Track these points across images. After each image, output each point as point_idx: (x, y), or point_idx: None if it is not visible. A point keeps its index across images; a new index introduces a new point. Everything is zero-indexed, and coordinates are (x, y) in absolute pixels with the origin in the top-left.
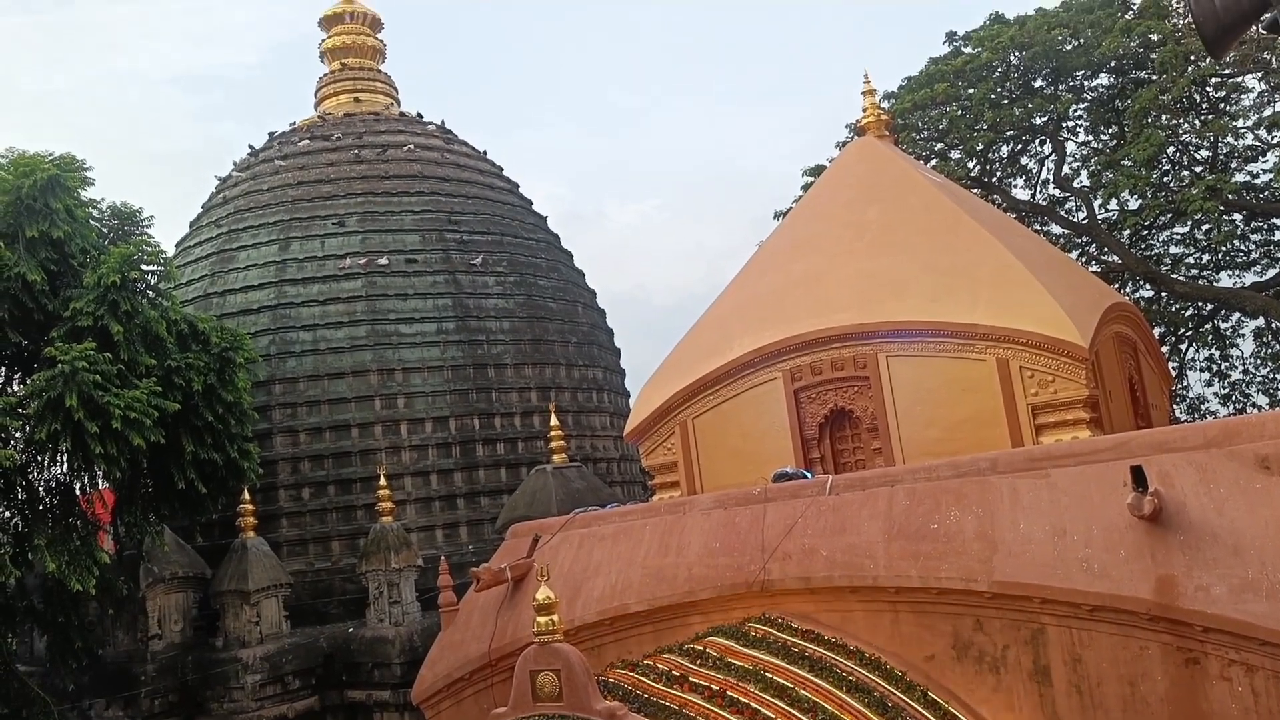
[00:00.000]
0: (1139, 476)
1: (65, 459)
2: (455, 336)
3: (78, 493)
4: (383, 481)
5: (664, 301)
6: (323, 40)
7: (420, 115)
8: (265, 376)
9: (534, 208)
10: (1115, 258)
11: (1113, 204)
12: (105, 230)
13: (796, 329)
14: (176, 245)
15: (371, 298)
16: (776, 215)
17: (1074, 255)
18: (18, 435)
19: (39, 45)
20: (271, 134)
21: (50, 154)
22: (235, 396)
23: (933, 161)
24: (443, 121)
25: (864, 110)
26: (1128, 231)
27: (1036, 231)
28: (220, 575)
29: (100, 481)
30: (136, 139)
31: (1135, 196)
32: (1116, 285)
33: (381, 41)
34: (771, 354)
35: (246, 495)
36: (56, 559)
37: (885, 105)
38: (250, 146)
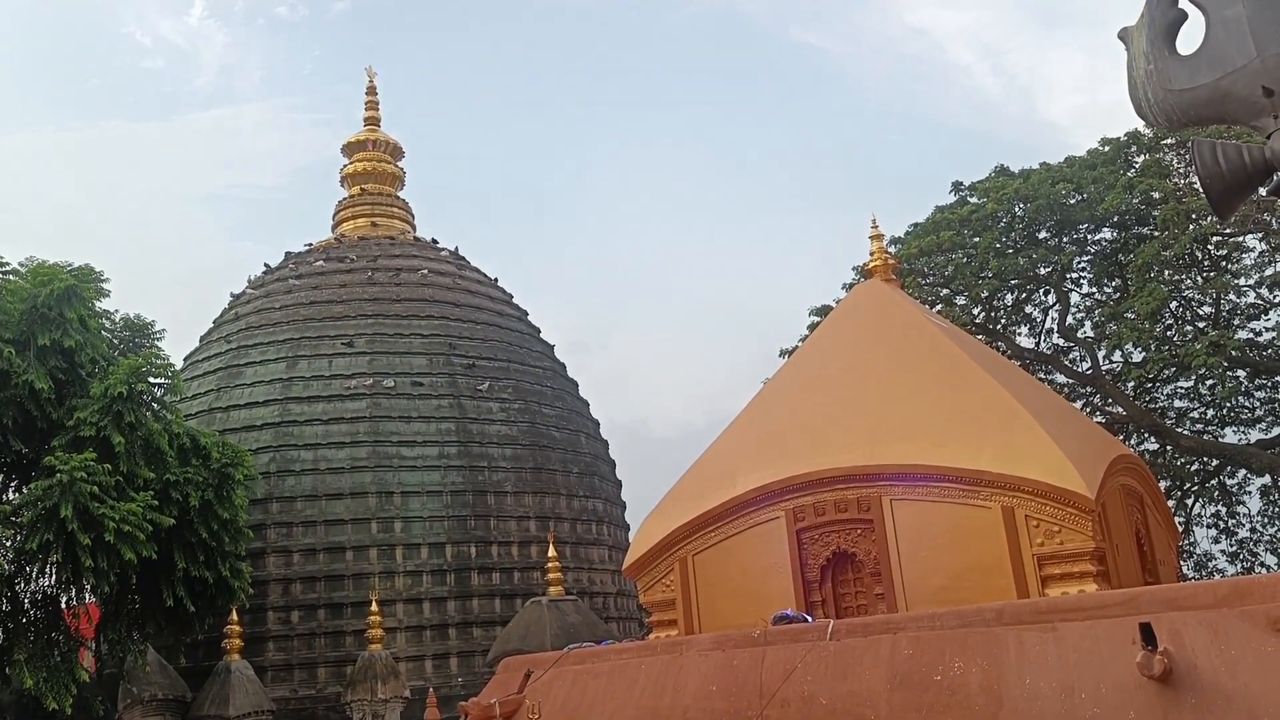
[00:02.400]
0: (1148, 634)
1: (54, 570)
2: (456, 461)
3: (63, 606)
4: (374, 607)
5: (665, 434)
6: (344, 166)
7: (435, 241)
8: (263, 494)
9: (541, 335)
10: (1120, 409)
11: (1117, 355)
12: (116, 341)
13: (800, 468)
14: (185, 359)
15: (375, 419)
16: (782, 353)
17: (1078, 405)
18: (8, 544)
19: (68, 160)
20: (288, 253)
21: (69, 264)
22: (231, 514)
23: (938, 306)
24: (456, 248)
25: (871, 254)
26: (1132, 383)
27: (1041, 380)
28: (201, 699)
29: (87, 595)
30: (157, 254)
31: (1139, 349)
32: (1121, 437)
33: (401, 169)
34: (774, 493)
35: (234, 616)
36: (35, 674)
37: (892, 250)
38: (266, 265)
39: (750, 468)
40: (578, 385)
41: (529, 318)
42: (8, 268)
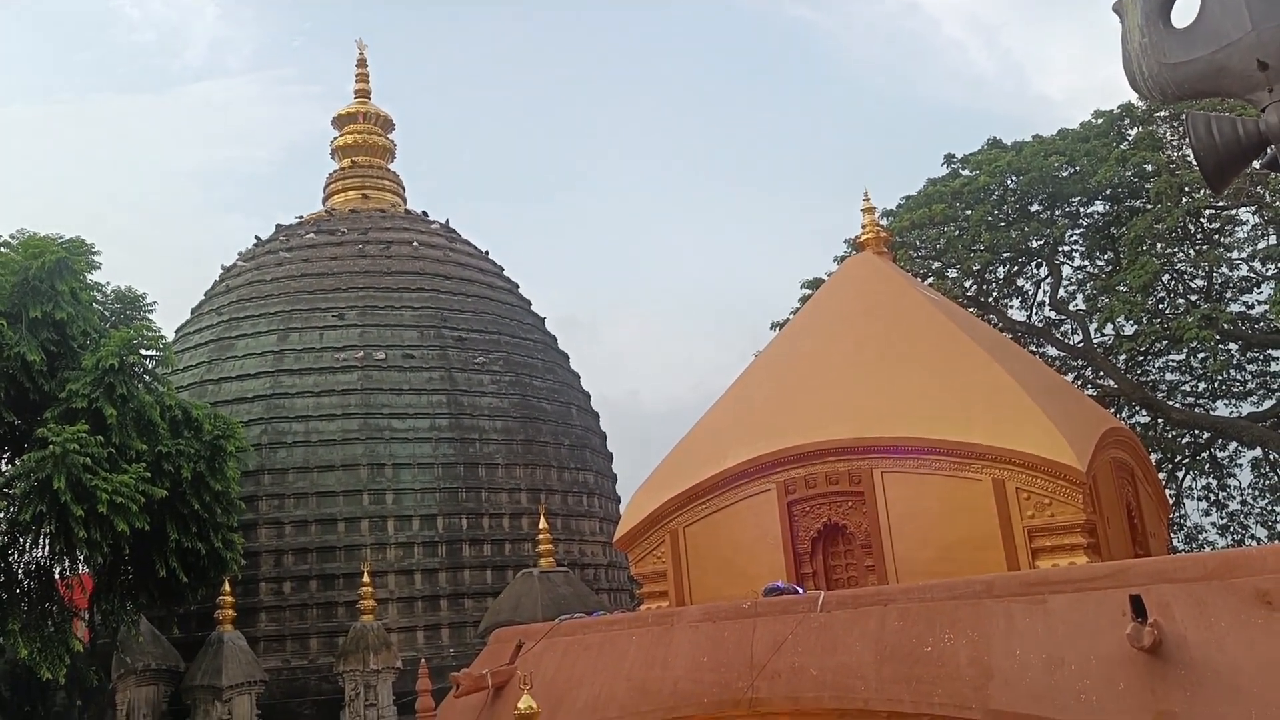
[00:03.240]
0: (1138, 606)
1: (47, 541)
2: (448, 434)
3: (56, 577)
4: (366, 579)
5: (656, 409)
6: (335, 138)
7: (425, 214)
8: (255, 466)
9: (533, 309)
10: (1111, 382)
11: (1108, 329)
12: (108, 314)
13: (791, 441)
14: (177, 331)
15: (366, 391)
16: (773, 326)
17: (1070, 378)
18: (1, 516)
19: (59, 134)
20: (279, 226)
21: (60, 237)
22: (223, 485)
23: (930, 279)
24: (447, 221)
25: (863, 226)
26: (1124, 356)
27: (1033, 353)
28: (194, 669)
29: (80, 567)
30: (148, 228)
31: (1131, 322)
32: (1113, 410)
33: (392, 141)
34: (765, 465)
35: (227, 587)
36: (29, 645)
37: (884, 223)
38: (256, 237)
39: (741, 441)
40: (569, 358)
41: (520, 290)
42: None
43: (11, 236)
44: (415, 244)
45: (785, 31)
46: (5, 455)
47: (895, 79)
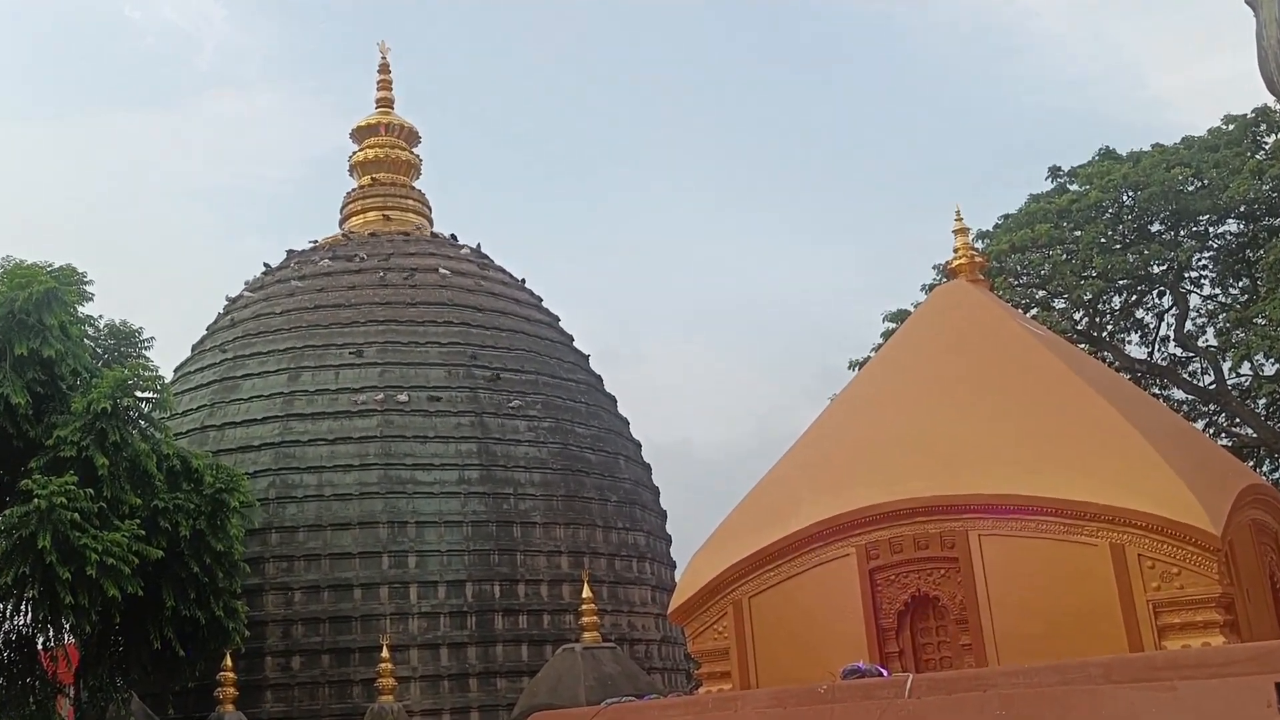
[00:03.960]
0: None
1: (30, 608)
2: (479, 488)
3: (39, 648)
4: (385, 654)
5: (712, 457)
6: (353, 153)
7: (454, 237)
8: (262, 523)
9: (575, 344)
10: (1249, 430)
11: (1245, 368)
12: (100, 351)
13: (873, 498)
14: (176, 370)
15: (387, 439)
16: (851, 365)
17: (1200, 425)
18: None
19: (64, 153)
20: (290, 252)
21: (49, 265)
22: (226, 545)
23: (1033, 311)
24: (478, 245)
25: (955, 250)
26: (1263, 400)
27: (1155, 396)
28: None
29: (66, 636)
30: (147, 255)
31: (1272, 360)
32: (1251, 463)
33: (416, 156)
34: (844, 526)
35: (228, 661)
36: None
37: (979, 246)
38: (265, 265)
39: (815, 497)
40: (616, 402)
41: (561, 324)
42: None
43: None
44: (443, 271)
45: (852, 25)
46: None
47: (986, 80)
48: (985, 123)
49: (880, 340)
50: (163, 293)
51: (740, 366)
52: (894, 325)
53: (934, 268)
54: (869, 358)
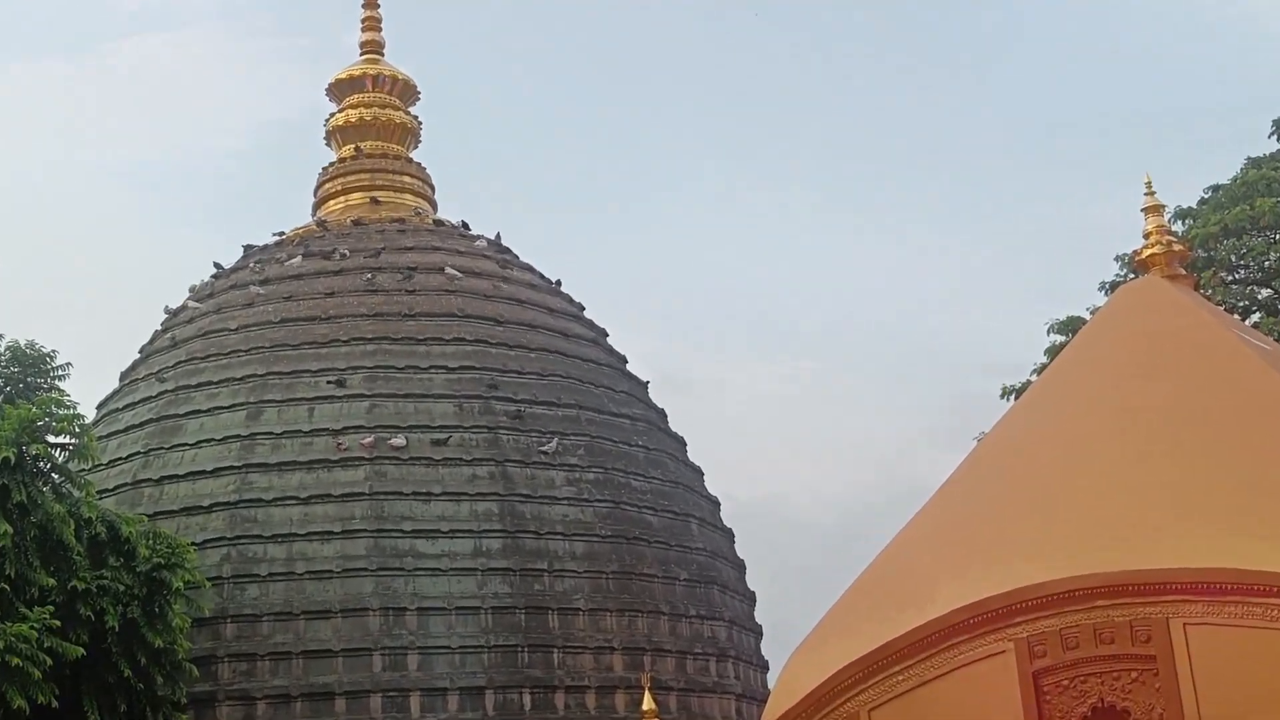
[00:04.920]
0: None
1: None
2: (501, 562)
3: None
4: None
5: (813, 521)
6: (330, 116)
7: (465, 225)
8: (214, 611)
9: (628, 368)
10: None
11: None
12: (1, 383)
13: (1037, 575)
14: (100, 407)
15: (379, 496)
16: (1006, 394)
17: None
18: None
19: None
20: (248, 248)
21: None
22: (166, 640)
23: (1254, 317)
24: (498, 235)
25: (1145, 236)
26: None
27: None
28: None
29: None
30: (59, 253)
31: None
32: None
33: (414, 118)
34: (997, 614)
35: None
36: None
37: (1178, 229)
38: (216, 265)
39: (957, 574)
40: (685, 445)
41: (609, 340)
42: None
43: None
44: (451, 271)
45: None
46: None
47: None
48: (1178, 67)
49: (1044, 360)
50: (81, 303)
51: (851, 398)
52: (1062, 339)
53: (1116, 260)
54: (1029, 383)
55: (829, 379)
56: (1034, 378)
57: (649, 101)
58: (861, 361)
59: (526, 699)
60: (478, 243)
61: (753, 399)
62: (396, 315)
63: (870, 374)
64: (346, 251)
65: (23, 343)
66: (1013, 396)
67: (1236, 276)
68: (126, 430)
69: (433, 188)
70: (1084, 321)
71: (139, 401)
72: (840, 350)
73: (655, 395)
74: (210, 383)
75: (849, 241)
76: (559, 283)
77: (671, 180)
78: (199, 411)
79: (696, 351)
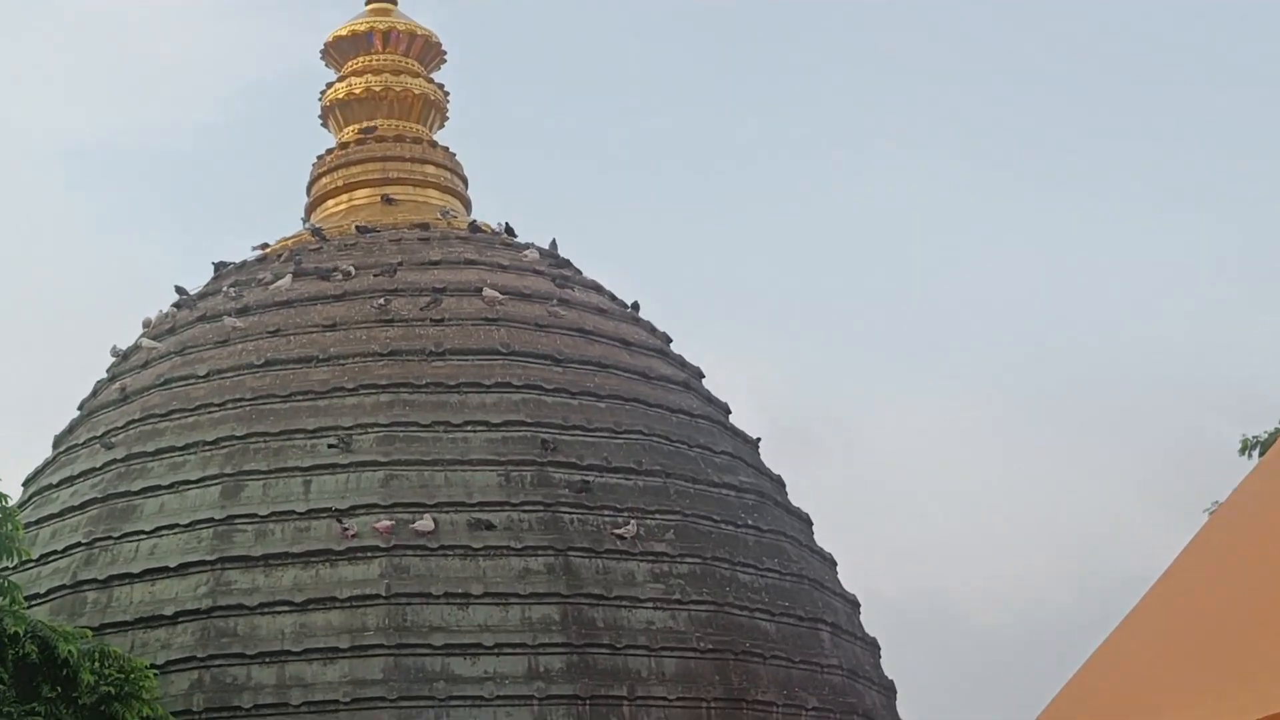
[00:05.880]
0: None
1: None
2: (564, 687)
3: None
4: None
5: (991, 623)
6: (328, 87)
7: (510, 230)
8: None
9: (733, 419)
10: None
11: None
12: None
13: None
14: (26, 483)
15: (399, 600)
16: (1246, 448)
17: None
18: None
19: None
20: (220, 266)
21: None
22: None
23: None
24: (553, 243)
25: None
26: None
27: None
28: None
29: None
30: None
31: None
32: None
33: (440, 89)
34: None
35: None
36: None
37: None
38: (178, 289)
39: (1186, 695)
40: (810, 524)
41: (705, 383)
42: None
43: None
44: (491, 292)
45: None
46: None
47: None
48: None
49: None
50: (8, 342)
51: (1037, 454)
52: None
53: None
54: (1271, 439)
55: (1007, 428)
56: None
57: (764, 57)
58: (1051, 403)
59: None
60: (526, 253)
61: (902, 458)
62: (419, 354)
63: (1063, 420)
64: (351, 269)
65: None
66: (1254, 451)
67: None
68: (63, 514)
69: (465, 180)
70: None
71: (79, 475)
72: (1023, 388)
73: (770, 457)
74: (173, 448)
75: (1033, 235)
76: (636, 306)
77: (784, 162)
78: (159, 488)
79: (825, 396)
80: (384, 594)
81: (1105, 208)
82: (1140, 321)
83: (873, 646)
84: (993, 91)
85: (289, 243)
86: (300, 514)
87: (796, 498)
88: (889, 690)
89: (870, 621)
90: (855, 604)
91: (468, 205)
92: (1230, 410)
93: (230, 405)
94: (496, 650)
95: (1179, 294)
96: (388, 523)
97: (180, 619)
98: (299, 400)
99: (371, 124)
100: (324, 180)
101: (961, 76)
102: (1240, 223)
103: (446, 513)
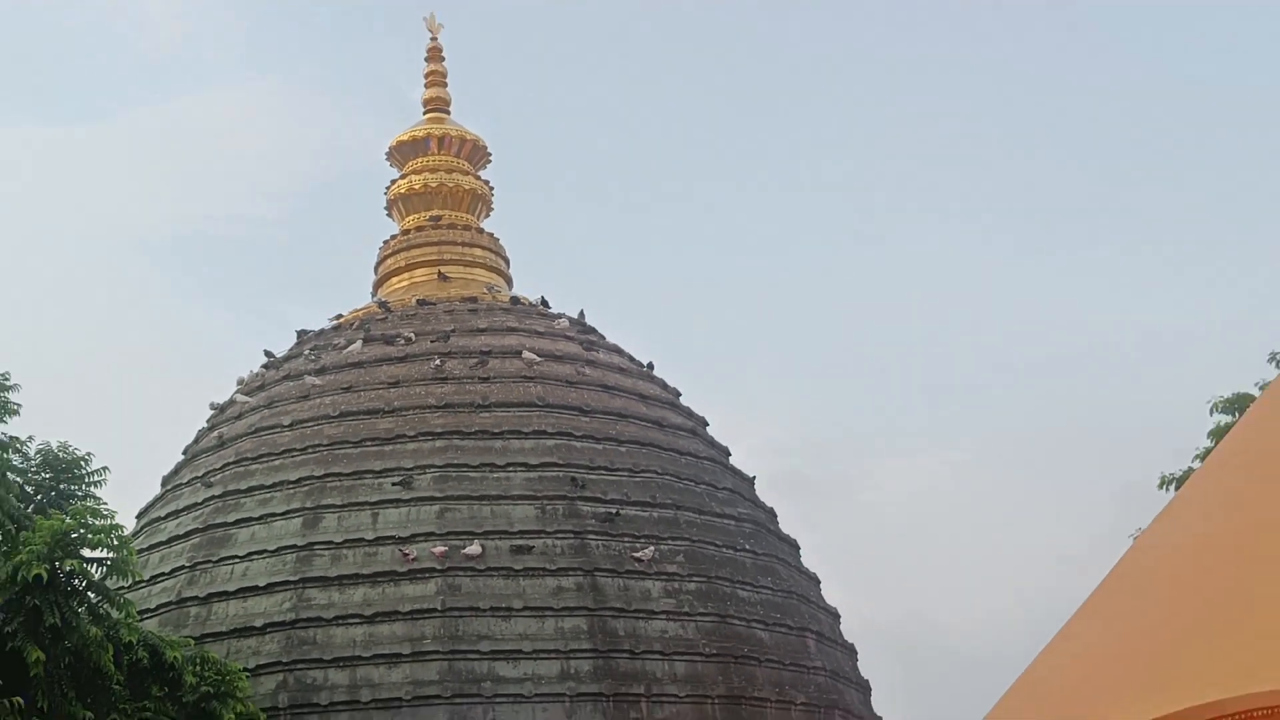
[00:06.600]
0: None
1: None
2: (591, 686)
3: None
4: None
5: (955, 641)
6: (391, 184)
7: (545, 302)
8: None
9: (732, 460)
10: None
11: None
12: (30, 490)
13: (1209, 693)
14: (139, 516)
15: (452, 613)
16: (1164, 484)
17: None
18: None
19: None
20: (301, 334)
21: None
22: None
23: None
24: (581, 313)
25: None
26: None
27: None
28: None
29: None
30: (90, 341)
31: None
32: None
33: (485, 184)
34: None
35: None
36: None
37: None
38: (267, 354)
39: (1114, 694)
40: (798, 549)
41: (710, 430)
42: None
43: None
44: (529, 355)
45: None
46: None
47: None
48: None
49: (1208, 444)
50: (117, 399)
51: (999, 496)
52: (1229, 418)
53: None
54: (1190, 471)
55: (980, 468)
56: (1196, 465)
57: (748, 159)
58: (1015, 451)
59: None
60: (559, 322)
61: (884, 498)
62: (469, 406)
63: (1026, 466)
64: (412, 335)
65: (54, 444)
66: (1172, 487)
67: None
68: (170, 542)
69: (507, 261)
70: (1254, 399)
71: (183, 509)
72: (989, 440)
73: (763, 493)
74: (262, 486)
75: (997, 303)
76: (651, 366)
77: (778, 242)
78: (250, 519)
79: (815, 443)
80: (439, 608)
81: (1096, 260)
82: (1088, 380)
83: (851, 651)
84: (973, 166)
85: (359, 313)
86: (369, 541)
87: (787, 527)
88: (865, 689)
89: (852, 635)
90: (836, 616)
91: (509, 281)
92: (1167, 444)
93: (310, 450)
94: (534, 655)
95: (1146, 356)
96: (442, 548)
97: (268, 630)
98: (368, 446)
99: (429, 214)
100: (389, 261)
101: (956, 156)
102: (1173, 300)
103: (492, 539)
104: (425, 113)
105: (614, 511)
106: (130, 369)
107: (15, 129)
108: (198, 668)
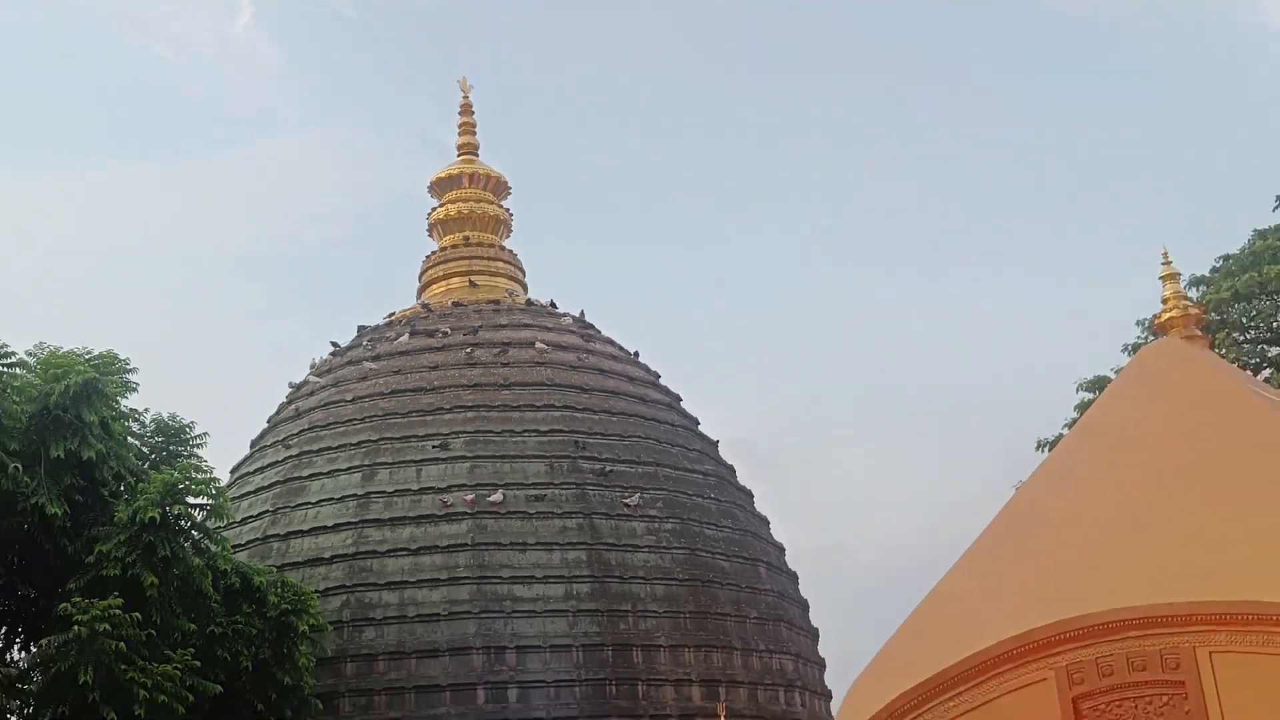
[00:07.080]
0: None
1: None
2: (589, 604)
3: None
4: None
5: (873, 564)
6: (432, 210)
7: (553, 304)
8: (334, 651)
9: (701, 429)
10: None
11: None
12: (146, 450)
13: (1074, 609)
14: (232, 471)
15: (479, 547)
16: (1040, 446)
17: None
18: (13, 718)
19: (76, 216)
20: (361, 328)
21: (88, 351)
22: (294, 678)
23: (1265, 373)
24: (581, 313)
25: (1164, 301)
26: None
27: None
28: None
29: None
30: (190, 335)
31: None
32: None
33: (506, 211)
34: (1038, 645)
35: None
36: None
37: (1194, 295)
38: (333, 344)
39: (1001, 610)
40: (752, 496)
41: (683, 405)
42: (12, 358)
43: (28, 353)
44: (540, 345)
45: (1049, 30)
46: (19, 639)
47: (1215, 92)
48: (1195, 143)
49: (1074, 415)
50: (213, 380)
51: (907, 455)
52: (1090, 396)
53: (1138, 324)
54: (1061, 436)
55: (885, 437)
56: (1065, 431)
57: (712, 169)
58: (916, 420)
59: None
60: (564, 320)
61: (814, 456)
62: (493, 385)
63: (928, 428)
64: (448, 330)
65: (165, 415)
66: (1046, 449)
67: (1247, 336)
68: (256, 492)
69: (523, 271)
70: (1110, 380)
71: (267, 466)
72: (896, 410)
73: (726, 453)
74: (330, 448)
75: (904, 306)
76: (637, 354)
77: (737, 249)
78: (320, 474)
79: (763, 417)
80: (470, 543)
81: (956, 283)
82: (979, 365)
83: (793, 577)
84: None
85: (406, 313)
86: (414, 491)
87: (744, 479)
88: (804, 606)
89: (791, 561)
90: (781, 549)
91: (525, 287)
92: (1034, 424)
93: (367, 420)
94: (544, 580)
95: (1009, 345)
96: (471, 497)
97: (334, 560)
98: (413, 417)
99: (462, 235)
100: (430, 272)
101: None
102: (1041, 298)
103: (511, 490)
104: (459, 155)
105: (607, 468)
106: (227, 357)
107: (138, 165)
108: (279, 590)
